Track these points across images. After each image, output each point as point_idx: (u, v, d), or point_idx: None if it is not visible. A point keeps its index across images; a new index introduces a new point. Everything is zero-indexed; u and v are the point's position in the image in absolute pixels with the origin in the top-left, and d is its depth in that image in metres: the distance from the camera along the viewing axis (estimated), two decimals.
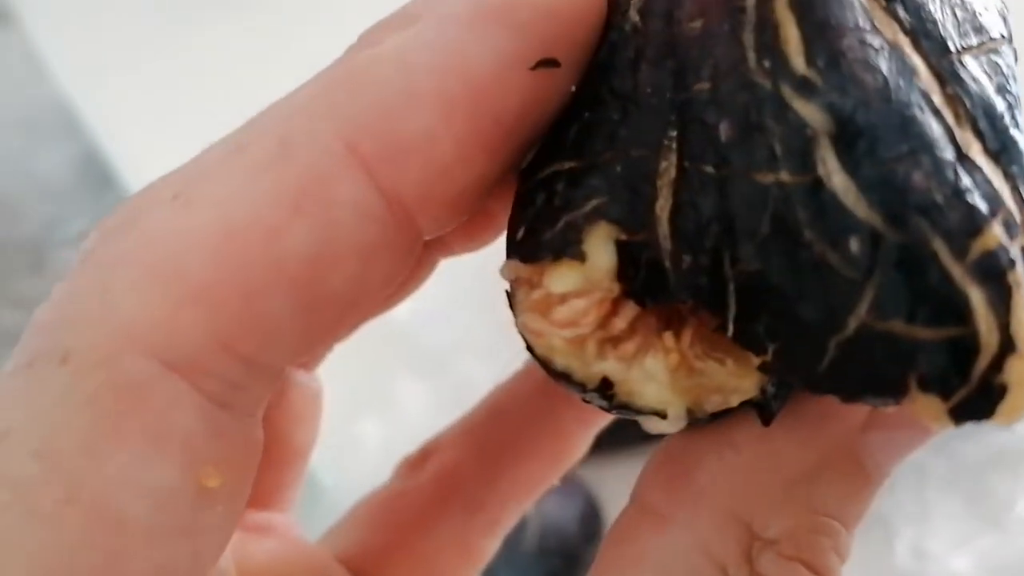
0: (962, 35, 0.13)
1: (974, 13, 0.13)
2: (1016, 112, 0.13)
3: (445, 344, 0.44)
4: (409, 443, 0.45)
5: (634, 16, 0.14)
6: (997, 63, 0.13)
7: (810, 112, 0.12)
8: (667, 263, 0.13)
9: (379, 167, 0.13)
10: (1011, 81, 0.13)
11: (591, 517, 0.42)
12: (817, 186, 0.12)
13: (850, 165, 0.12)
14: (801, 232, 0.12)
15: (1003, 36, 0.14)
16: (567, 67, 0.13)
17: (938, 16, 0.13)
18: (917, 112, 0.12)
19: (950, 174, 0.12)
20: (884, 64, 0.12)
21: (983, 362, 0.11)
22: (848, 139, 0.12)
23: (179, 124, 0.65)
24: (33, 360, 0.12)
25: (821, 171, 0.12)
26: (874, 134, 0.12)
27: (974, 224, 0.11)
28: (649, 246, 0.13)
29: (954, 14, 0.13)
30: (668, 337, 0.14)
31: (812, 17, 0.12)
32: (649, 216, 0.13)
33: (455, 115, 0.13)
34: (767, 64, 0.12)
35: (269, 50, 0.66)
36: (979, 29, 0.13)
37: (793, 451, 0.14)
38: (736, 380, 0.14)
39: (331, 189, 0.13)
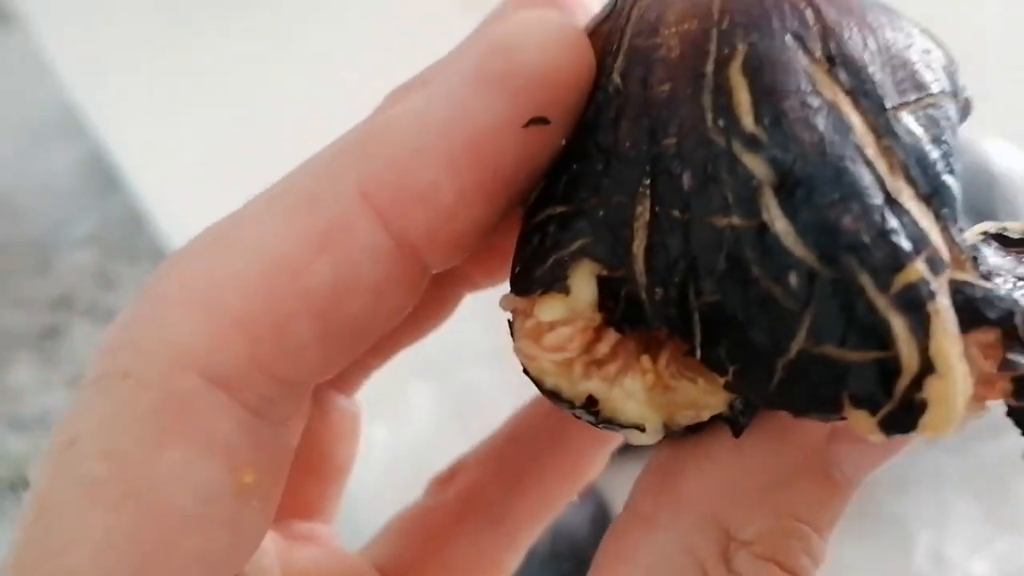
0: (900, 92, 0.15)
1: (915, 72, 0.15)
2: (951, 159, 0.15)
3: (451, 350, 0.43)
4: (416, 447, 0.45)
5: (616, 79, 0.16)
6: (934, 116, 0.15)
7: (756, 165, 0.14)
8: (643, 295, 0.15)
9: (391, 214, 0.15)
10: (948, 131, 0.15)
11: (602, 521, 0.42)
12: (763, 229, 0.14)
13: (790, 211, 0.13)
14: (750, 269, 0.14)
15: (944, 91, 0.15)
16: (557, 124, 0.16)
17: (878, 77, 0.14)
18: (850, 164, 0.14)
19: (877, 217, 0.13)
20: (821, 122, 0.14)
21: (905, 381, 0.13)
22: (788, 188, 0.14)
23: (182, 124, 0.65)
24: (100, 377, 0.14)
25: (766, 216, 0.14)
26: (810, 184, 0.13)
27: (897, 261, 0.13)
28: (627, 281, 0.15)
29: (894, 74, 0.15)
30: (646, 360, 0.15)
31: (760, 82, 0.14)
32: (627, 255, 0.15)
33: (459, 168, 0.15)
34: (721, 123, 0.14)
35: (270, 50, 0.66)
36: (919, 86, 0.15)
37: (764, 460, 0.16)
38: (706, 397, 0.15)
39: (349, 234, 0.15)
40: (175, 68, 0.68)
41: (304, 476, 0.21)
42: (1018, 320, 0.14)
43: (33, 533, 0.14)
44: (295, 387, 0.16)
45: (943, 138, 0.14)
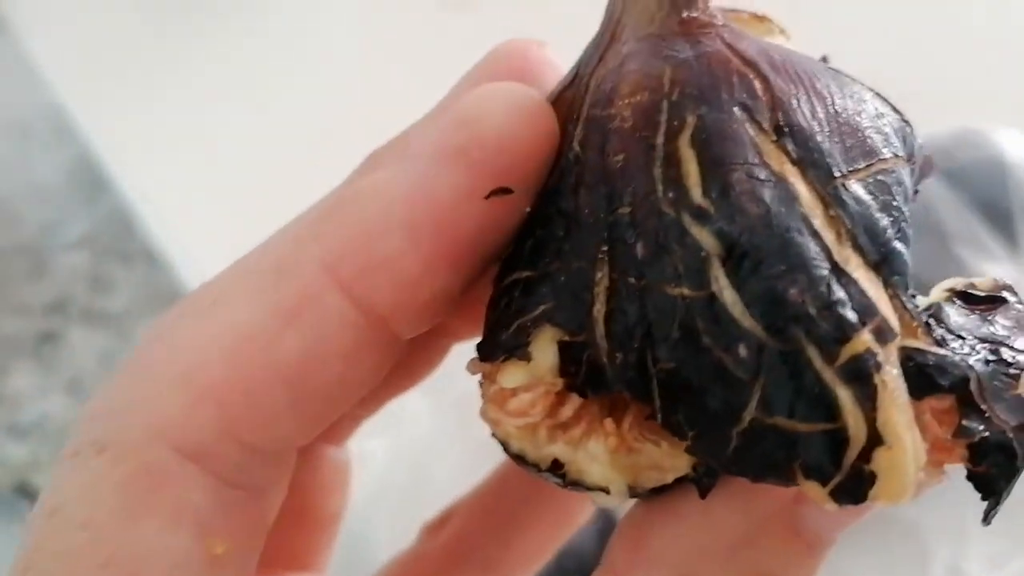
0: (849, 161, 0.15)
1: (865, 138, 0.15)
2: (903, 225, 0.15)
3: (449, 362, 0.42)
4: (414, 460, 0.44)
5: (576, 148, 0.16)
6: (885, 182, 0.15)
7: (704, 237, 0.14)
8: (604, 360, 0.15)
9: (356, 285, 0.16)
10: (900, 197, 0.15)
11: (610, 536, 0.41)
12: (712, 300, 0.14)
13: (737, 282, 0.14)
14: (702, 338, 0.14)
15: (897, 155, 0.15)
16: (521, 192, 0.16)
17: (826, 146, 0.14)
18: (796, 235, 0.14)
19: (823, 288, 0.13)
20: (768, 193, 0.14)
21: (853, 453, 0.13)
22: (735, 260, 0.14)
23: (170, 126, 0.64)
24: (78, 450, 0.15)
25: (714, 287, 0.14)
26: (757, 256, 0.14)
27: (843, 332, 0.13)
28: (589, 345, 0.15)
29: (843, 141, 0.15)
30: (609, 423, 0.16)
31: (708, 154, 0.14)
32: (588, 320, 0.15)
33: (421, 240, 0.16)
34: (671, 195, 0.14)
35: (257, 53, 0.65)
36: (868, 153, 0.15)
37: (732, 519, 0.16)
38: (670, 459, 0.15)
39: (315, 306, 0.15)
40: (163, 71, 0.68)
41: (294, 527, 0.21)
42: (973, 386, 0.14)
43: None
44: (271, 455, 0.16)
45: (894, 204, 0.14)
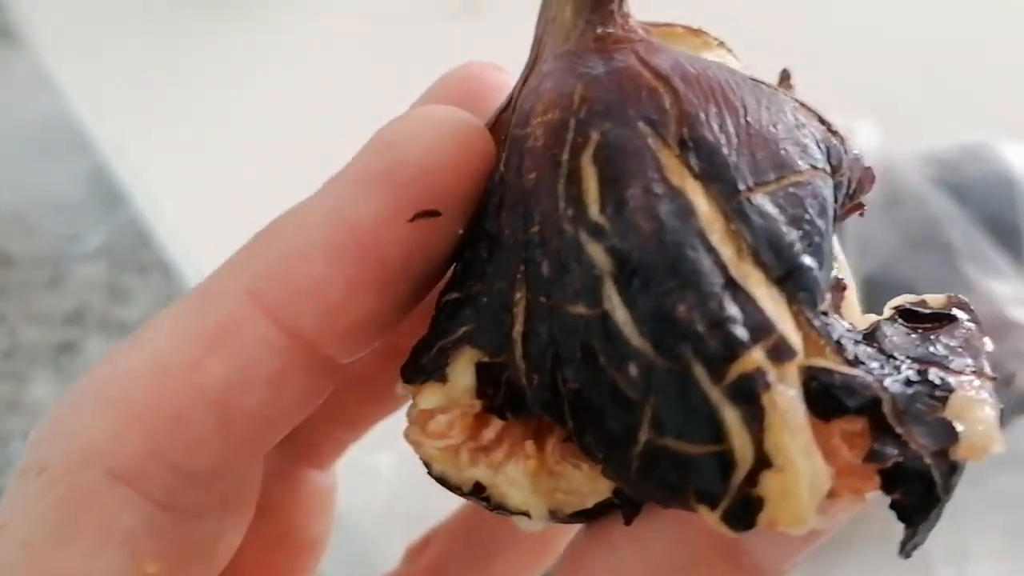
0: (757, 174, 0.14)
1: (777, 151, 0.14)
2: (815, 238, 0.14)
3: None
4: (420, 474, 0.44)
5: (501, 168, 0.16)
6: (797, 195, 0.14)
7: (598, 254, 0.14)
8: (524, 381, 0.15)
9: (280, 311, 0.16)
10: (814, 209, 0.14)
11: None
12: (606, 318, 0.14)
13: (628, 300, 0.13)
14: (598, 358, 0.14)
15: (815, 167, 0.15)
16: (450, 215, 0.16)
17: (732, 159, 0.14)
18: (689, 251, 0.13)
19: (713, 305, 0.13)
20: (664, 209, 0.13)
21: (739, 476, 0.13)
22: (626, 278, 0.13)
23: (184, 136, 0.64)
24: (24, 470, 0.16)
25: (608, 305, 0.14)
26: (647, 273, 0.13)
27: (731, 351, 0.13)
28: (508, 367, 0.15)
29: (753, 155, 0.14)
30: (530, 445, 0.15)
31: (608, 170, 0.14)
32: (508, 341, 0.15)
33: (344, 263, 0.15)
34: (571, 213, 0.14)
35: (273, 68, 0.66)
36: (779, 166, 0.14)
37: (665, 549, 0.15)
38: (591, 483, 0.15)
39: (238, 331, 0.16)
40: (178, 84, 0.68)
41: (273, 550, 0.21)
42: (886, 408, 0.13)
43: None
44: (203, 477, 0.16)
45: (806, 217, 0.14)
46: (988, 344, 0.15)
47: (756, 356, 0.13)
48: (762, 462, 0.12)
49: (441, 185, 0.16)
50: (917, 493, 0.13)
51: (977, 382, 0.14)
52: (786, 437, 0.12)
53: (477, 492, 0.15)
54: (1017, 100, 0.51)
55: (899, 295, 0.42)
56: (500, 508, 0.16)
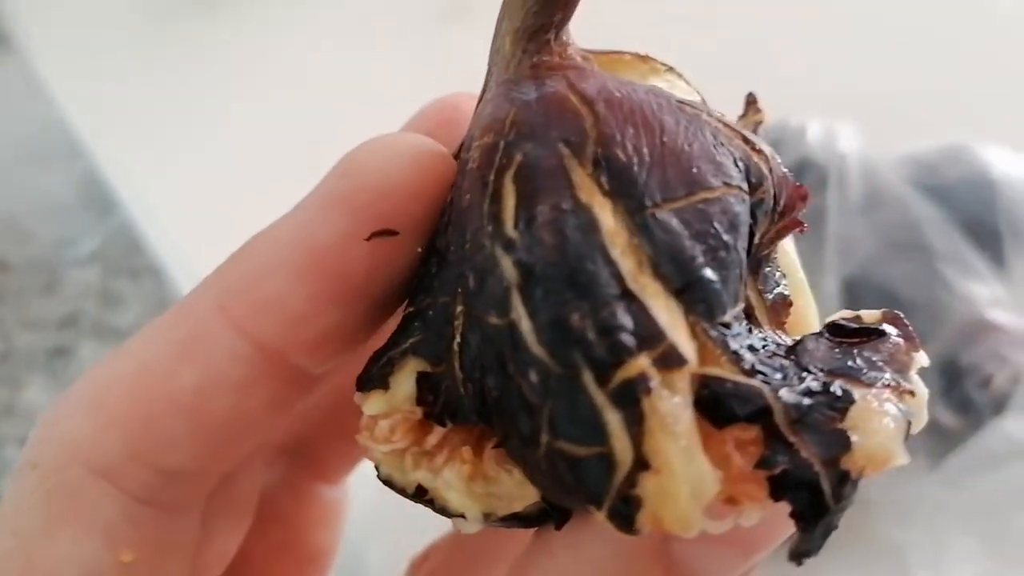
0: (665, 191, 0.15)
1: (689, 169, 0.15)
2: (722, 252, 0.15)
3: None
4: None
5: (453, 190, 0.17)
6: (705, 211, 0.15)
7: (508, 267, 0.14)
8: (461, 390, 0.16)
9: (245, 322, 0.17)
10: (722, 225, 0.15)
11: None
12: (513, 328, 0.14)
13: (531, 310, 0.14)
14: (508, 366, 0.14)
15: (728, 184, 0.15)
16: (408, 234, 0.17)
17: (642, 177, 0.15)
18: (588, 263, 0.14)
19: (605, 314, 0.13)
20: (570, 223, 0.14)
21: (619, 477, 0.13)
22: (529, 289, 0.14)
23: (177, 142, 0.64)
24: (20, 467, 0.17)
25: (514, 315, 0.14)
26: (547, 285, 0.14)
27: (617, 356, 0.13)
28: (447, 376, 0.16)
29: (664, 173, 0.15)
30: (466, 451, 0.16)
31: (525, 188, 0.15)
32: (448, 352, 0.16)
33: (305, 278, 0.17)
34: (491, 229, 0.15)
35: (264, 74, 0.66)
36: (690, 183, 0.15)
37: (600, 557, 0.16)
38: (520, 488, 0.16)
39: (207, 341, 0.17)
40: (171, 89, 0.68)
41: (281, 561, 0.22)
42: (778, 417, 0.13)
43: None
44: (180, 477, 0.17)
45: (711, 232, 0.15)
46: (919, 359, 0.15)
47: (641, 362, 0.13)
48: (640, 464, 0.13)
49: (398, 207, 0.17)
50: (804, 501, 0.13)
51: (887, 395, 0.14)
52: (664, 440, 0.13)
53: (420, 495, 0.16)
54: (999, 102, 0.52)
55: (880, 296, 0.41)
56: (443, 511, 0.16)
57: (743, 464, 0.13)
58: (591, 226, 0.14)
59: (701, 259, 0.14)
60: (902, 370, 0.14)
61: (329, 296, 0.17)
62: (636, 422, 0.13)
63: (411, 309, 0.17)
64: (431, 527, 0.25)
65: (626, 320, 0.13)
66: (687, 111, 0.16)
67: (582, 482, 0.13)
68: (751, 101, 0.18)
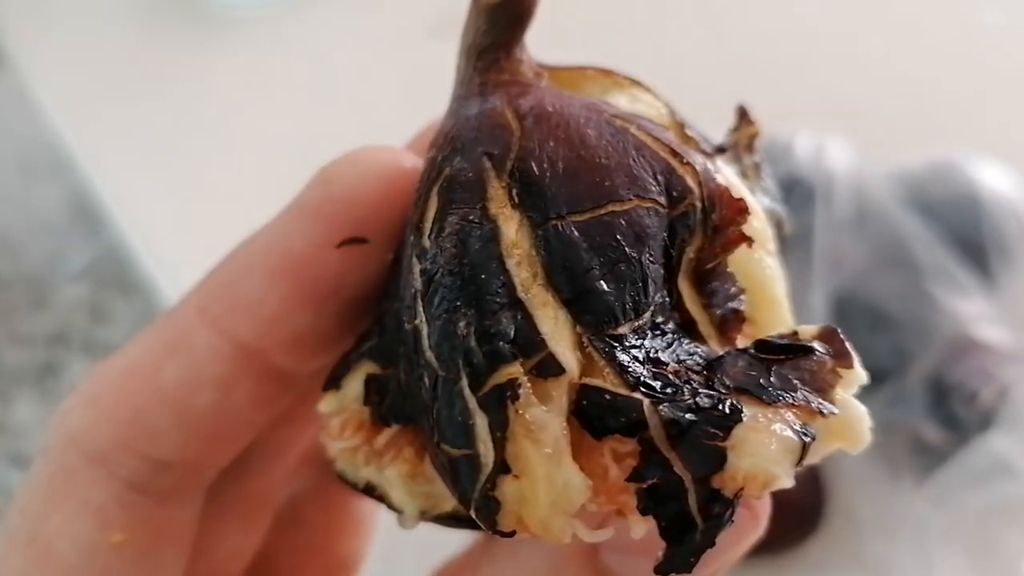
0: (572, 203, 0.15)
1: (601, 183, 0.15)
2: (623, 265, 0.15)
3: None
4: None
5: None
6: (610, 224, 0.15)
7: (417, 275, 0.15)
8: (403, 392, 0.16)
9: (223, 323, 0.18)
10: (626, 239, 0.15)
11: None
12: (416, 333, 0.15)
13: (429, 316, 0.15)
14: (414, 369, 0.15)
15: (641, 196, 0.15)
16: (378, 242, 0.18)
17: (551, 190, 0.15)
18: (481, 272, 0.14)
19: (489, 322, 0.14)
20: (474, 234, 0.15)
21: (481, 479, 0.14)
22: (429, 296, 0.15)
23: (167, 159, 0.64)
24: (38, 452, 0.19)
25: (418, 321, 0.15)
26: (444, 293, 0.14)
27: (492, 364, 0.14)
28: (393, 378, 0.17)
29: (575, 186, 0.15)
30: (408, 451, 0.17)
31: (444, 199, 0.15)
32: (396, 355, 0.16)
33: (278, 282, 0.18)
34: (412, 239, 0.16)
35: (256, 92, 0.66)
36: (598, 196, 0.15)
37: (535, 561, 0.17)
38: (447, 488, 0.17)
39: (189, 340, 0.18)
40: (162, 106, 0.68)
41: (307, 566, 0.24)
42: (653, 432, 0.13)
43: None
44: (169, 466, 0.19)
45: (612, 245, 0.15)
46: (853, 377, 0.14)
47: (514, 370, 0.13)
48: (500, 467, 0.13)
49: (367, 216, 0.18)
50: (670, 516, 0.13)
51: (788, 415, 0.14)
52: (527, 446, 0.13)
53: (369, 491, 0.17)
54: (985, 114, 0.52)
55: (867, 312, 0.41)
56: (391, 508, 0.17)
57: (618, 475, 0.13)
58: (492, 237, 0.15)
59: (597, 271, 0.14)
60: (822, 389, 0.14)
61: (301, 298, 0.18)
62: (500, 427, 0.13)
63: (378, 314, 0.17)
64: (460, 540, 0.25)
65: (508, 329, 0.14)
66: (616, 124, 0.16)
67: (457, 481, 0.14)
68: (743, 114, 0.18)
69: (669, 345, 0.14)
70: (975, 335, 0.37)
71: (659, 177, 0.15)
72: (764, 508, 0.16)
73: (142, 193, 0.65)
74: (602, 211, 0.15)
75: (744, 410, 0.13)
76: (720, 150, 0.17)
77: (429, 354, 0.14)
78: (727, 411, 0.13)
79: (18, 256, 0.95)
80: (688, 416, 0.13)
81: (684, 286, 0.15)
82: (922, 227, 0.40)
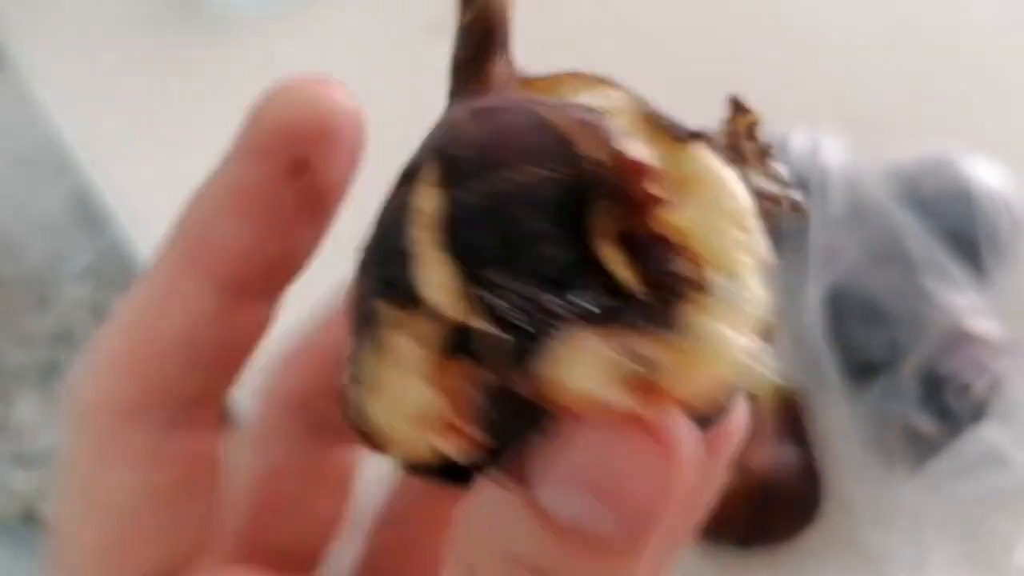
0: (473, 174, 0.16)
1: (500, 156, 0.17)
2: (507, 224, 0.16)
3: None
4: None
5: None
6: (502, 189, 0.16)
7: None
8: None
9: (206, 264, 0.20)
10: (515, 202, 0.16)
11: None
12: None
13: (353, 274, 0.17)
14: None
15: (538, 164, 0.16)
16: (323, 165, 0.20)
17: (460, 166, 0.17)
18: (390, 234, 0.17)
19: (382, 270, 0.17)
20: (393, 206, 0.17)
21: (358, 398, 0.16)
22: (359, 257, 0.17)
23: (171, 162, 0.65)
24: (67, 418, 0.21)
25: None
26: (365, 254, 0.17)
27: (376, 298, 0.16)
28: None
29: (478, 163, 0.17)
30: None
31: (391, 187, 0.18)
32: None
33: (246, 219, 0.20)
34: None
35: (257, 86, 0.66)
36: (495, 167, 0.16)
37: (498, 512, 0.17)
38: None
39: (182, 286, 0.20)
40: (161, 104, 0.69)
41: (290, 521, 0.25)
42: (488, 353, 0.15)
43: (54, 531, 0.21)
44: (192, 401, 0.21)
45: (502, 207, 0.16)
46: (712, 304, 0.15)
47: (394, 307, 0.16)
48: (368, 385, 0.16)
49: (304, 147, 0.19)
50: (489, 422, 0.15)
51: (635, 340, 0.15)
52: (390, 370, 0.16)
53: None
54: (980, 111, 0.52)
55: (862, 307, 0.42)
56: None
57: (468, 393, 0.15)
58: (404, 205, 0.17)
59: (485, 229, 0.16)
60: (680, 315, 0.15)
61: (254, 224, 0.19)
62: (374, 352, 0.16)
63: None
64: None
65: (397, 274, 0.16)
66: (537, 111, 0.17)
67: (347, 410, 0.16)
68: (736, 104, 0.18)
69: (556, 293, 0.16)
70: (968, 328, 0.38)
71: (561, 149, 0.17)
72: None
73: (144, 192, 0.65)
74: (496, 178, 0.16)
75: (569, 330, 0.15)
76: (696, 136, 0.17)
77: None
78: (552, 329, 0.15)
79: (19, 256, 0.96)
80: (528, 343, 0.15)
81: (608, 250, 0.16)
82: (916, 222, 0.41)
